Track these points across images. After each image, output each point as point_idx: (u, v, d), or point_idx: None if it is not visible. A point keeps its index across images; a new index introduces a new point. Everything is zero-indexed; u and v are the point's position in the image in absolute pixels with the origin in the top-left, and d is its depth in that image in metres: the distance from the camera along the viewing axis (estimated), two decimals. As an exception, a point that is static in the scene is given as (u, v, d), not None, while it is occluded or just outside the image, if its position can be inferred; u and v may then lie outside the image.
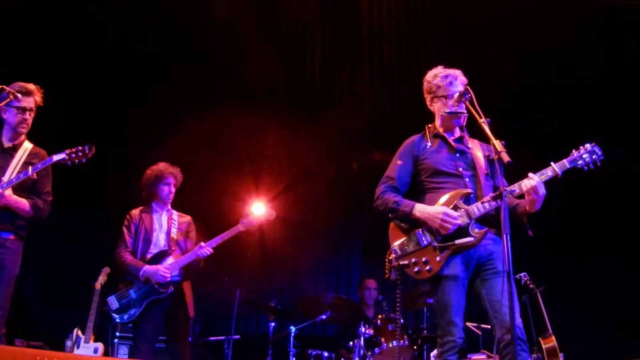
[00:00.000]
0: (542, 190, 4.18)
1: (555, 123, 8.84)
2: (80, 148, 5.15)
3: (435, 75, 4.69)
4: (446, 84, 4.61)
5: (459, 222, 4.23)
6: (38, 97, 5.35)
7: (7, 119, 5.30)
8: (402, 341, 6.94)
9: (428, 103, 4.80)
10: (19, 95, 5.18)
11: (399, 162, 4.68)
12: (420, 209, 4.37)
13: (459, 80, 4.61)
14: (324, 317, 7.47)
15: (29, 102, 5.28)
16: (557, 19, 9.01)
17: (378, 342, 7.07)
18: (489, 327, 7.20)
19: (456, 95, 4.51)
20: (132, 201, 6.68)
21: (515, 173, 4.29)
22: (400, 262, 4.40)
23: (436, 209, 4.31)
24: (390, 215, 4.54)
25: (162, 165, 6.51)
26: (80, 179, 6.72)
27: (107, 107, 9.46)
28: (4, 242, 5.07)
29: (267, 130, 9.78)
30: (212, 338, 8.28)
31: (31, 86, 5.34)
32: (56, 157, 5.14)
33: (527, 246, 4.48)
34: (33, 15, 9.32)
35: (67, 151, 5.15)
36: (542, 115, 9.04)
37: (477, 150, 4.60)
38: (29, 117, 5.32)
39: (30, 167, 5.09)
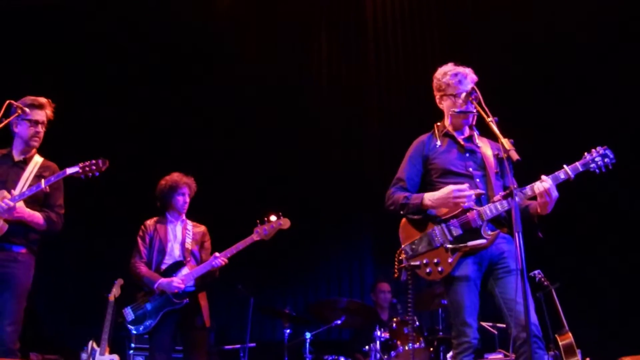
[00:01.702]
0: (555, 193, 4.17)
1: (567, 124, 8.78)
2: (93, 162, 5.16)
3: (445, 73, 4.66)
4: (455, 82, 4.57)
5: (470, 192, 4.25)
6: (49, 111, 5.37)
7: (19, 132, 5.31)
8: (417, 343, 6.91)
9: (437, 101, 4.78)
10: (27, 110, 5.20)
11: (409, 163, 4.69)
12: (430, 197, 4.39)
13: (468, 78, 4.57)
14: (338, 322, 7.46)
15: (40, 115, 5.29)
16: (572, 13, 8.97)
17: (394, 345, 7.04)
18: (505, 326, 7.21)
19: (463, 95, 4.49)
20: (145, 212, 6.69)
21: (527, 175, 4.28)
22: (411, 263, 4.40)
23: (444, 190, 4.32)
24: (402, 211, 4.53)
25: (176, 176, 6.52)
26: (92, 190, 6.74)
27: (115, 115, 9.52)
28: (15, 256, 5.08)
29: (276, 134, 9.79)
30: (227, 347, 8.27)
31: (42, 99, 5.35)
32: (69, 171, 5.15)
33: (540, 243, 4.44)
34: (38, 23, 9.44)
35: (80, 164, 5.15)
36: (555, 116, 8.98)
37: (487, 149, 4.58)
38: (41, 130, 5.33)
39: (43, 180, 5.09)
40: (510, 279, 4.15)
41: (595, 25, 8.88)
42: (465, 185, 4.26)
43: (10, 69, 8.80)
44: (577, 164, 4.27)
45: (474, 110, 4.48)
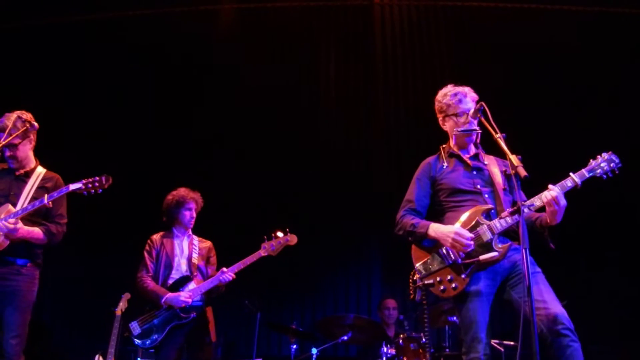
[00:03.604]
0: (563, 202, 4.16)
1: (570, 134, 8.80)
2: (97, 178, 5.12)
3: (445, 94, 4.72)
4: (455, 102, 4.64)
5: (471, 242, 4.22)
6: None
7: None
8: (424, 360, 6.89)
9: (440, 122, 4.83)
10: (35, 124, 5.26)
11: (417, 185, 4.70)
12: (435, 228, 4.37)
13: (468, 97, 4.64)
14: (345, 338, 7.43)
15: None
16: (569, 31, 9.04)
17: (400, 361, 7.02)
18: (512, 343, 7.19)
19: (471, 111, 4.51)
20: (151, 226, 6.71)
21: (533, 185, 4.28)
22: (425, 282, 4.36)
23: (448, 228, 4.31)
24: (410, 238, 4.53)
25: (183, 191, 6.54)
26: (98, 204, 6.75)
27: (121, 131, 9.57)
28: (19, 269, 5.08)
29: (284, 151, 9.80)
30: (234, 362, 8.27)
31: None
32: (72, 187, 5.12)
33: (550, 260, 4.44)
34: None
35: (83, 181, 5.12)
36: (557, 126, 9.01)
37: (494, 167, 4.60)
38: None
39: (46, 195, 5.09)
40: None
41: (595, 32, 8.97)
42: (470, 235, 4.23)
43: (8, 83, 8.87)
44: (583, 170, 4.28)
45: (477, 128, 4.54)
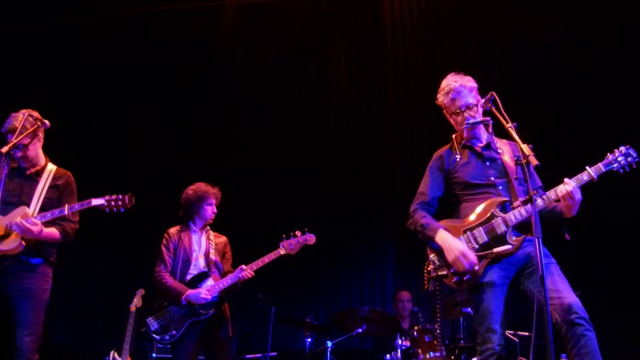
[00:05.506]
0: (578, 196, 4.16)
1: (587, 127, 8.72)
2: (120, 197, 5.11)
3: (440, 91, 4.75)
4: (448, 101, 4.68)
5: (474, 267, 4.21)
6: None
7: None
8: (439, 352, 6.88)
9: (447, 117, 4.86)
10: (47, 122, 5.25)
11: (430, 177, 4.71)
12: (442, 238, 4.35)
13: (465, 90, 4.62)
14: (360, 330, 7.43)
15: None
16: (580, 16, 8.94)
17: (415, 353, 7.02)
18: (527, 334, 7.15)
19: (482, 101, 4.50)
20: (164, 222, 6.70)
21: (550, 178, 4.26)
22: (439, 273, 4.38)
23: (456, 244, 4.28)
24: (419, 236, 4.56)
25: (204, 186, 6.53)
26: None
27: (134, 129, 9.59)
28: (33, 268, 5.09)
29: (295, 150, 9.80)
30: (249, 356, 8.27)
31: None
32: (95, 202, 5.10)
33: (564, 248, 4.41)
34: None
35: (106, 197, 5.11)
36: (573, 119, 8.94)
37: (507, 153, 4.60)
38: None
39: (67, 206, 5.06)
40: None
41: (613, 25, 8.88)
42: (473, 259, 4.22)
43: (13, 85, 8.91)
44: (600, 164, 4.26)
45: (485, 119, 4.54)
